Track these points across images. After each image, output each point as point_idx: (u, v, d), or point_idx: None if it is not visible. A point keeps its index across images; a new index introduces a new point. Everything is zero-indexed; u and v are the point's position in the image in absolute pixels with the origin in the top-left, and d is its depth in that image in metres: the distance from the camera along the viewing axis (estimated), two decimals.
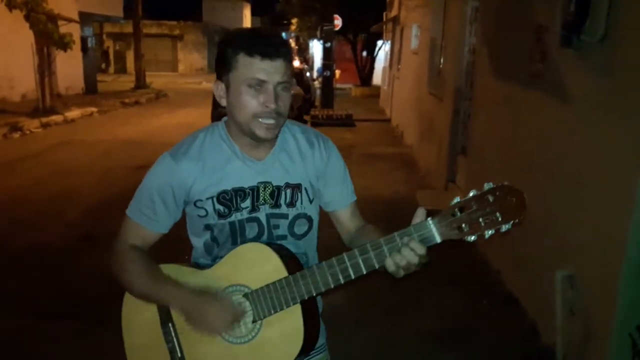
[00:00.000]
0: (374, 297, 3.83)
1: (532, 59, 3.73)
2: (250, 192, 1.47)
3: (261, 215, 1.48)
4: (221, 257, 1.45)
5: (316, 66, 25.29)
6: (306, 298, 1.34)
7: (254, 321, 1.39)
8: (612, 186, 2.70)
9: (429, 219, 1.24)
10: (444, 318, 3.72)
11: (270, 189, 1.48)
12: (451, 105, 6.45)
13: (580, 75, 3.10)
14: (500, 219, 1.19)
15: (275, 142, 1.51)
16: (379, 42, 21.40)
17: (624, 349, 2.54)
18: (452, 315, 3.76)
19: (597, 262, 2.80)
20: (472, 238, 1.22)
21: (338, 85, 19.55)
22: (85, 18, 17.40)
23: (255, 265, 1.39)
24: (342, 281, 1.31)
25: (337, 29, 18.29)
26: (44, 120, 11.53)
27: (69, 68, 16.13)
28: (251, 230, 1.48)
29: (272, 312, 1.36)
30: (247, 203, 1.47)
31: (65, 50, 12.04)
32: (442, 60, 7.58)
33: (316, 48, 28.26)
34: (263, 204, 1.48)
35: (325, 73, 15.92)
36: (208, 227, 1.49)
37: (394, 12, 14.06)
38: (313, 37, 25.94)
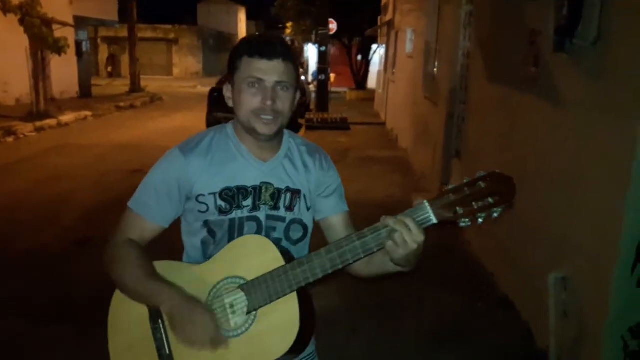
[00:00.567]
0: (370, 301, 3.84)
1: (525, 62, 3.76)
2: (253, 191, 1.50)
3: (261, 215, 1.51)
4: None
5: (311, 70, 25.33)
6: (303, 285, 1.34)
7: (248, 312, 1.38)
8: (605, 189, 2.73)
9: (425, 201, 1.31)
10: (439, 321, 3.73)
11: (272, 190, 1.52)
12: (446, 109, 6.48)
13: (574, 79, 3.12)
14: (492, 203, 1.27)
15: (280, 147, 1.56)
16: (374, 46, 21.45)
17: (616, 351, 2.56)
18: (446, 318, 3.77)
19: (590, 264, 2.82)
20: (466, 221, 1.28)
21: (333, 89, 19.55)
22: (80, 22, 17.35)
23: (252, 257, 1.40)
24: (340, 266, 1.32)
25: (332, 32, 18.33)
26: (38, 124, 11.50)
27: (64, 72, 16.08)
28: (249, 229, 1.50)
29: (268, 302, 1.35)
30: (249, 202, 1.50)
31: (59, 54, 12.02)
32: (436, 64, 7.61)
33: (311, 52, 28.29)
34: (264, 204, 1.51)
35: (320, 77, 15.95)
36: (206, 224, 1.50)
37: (388, 16, 14.11)
38: (308, 41, 25.98)
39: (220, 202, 1.49)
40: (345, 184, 1.68)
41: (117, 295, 1.52)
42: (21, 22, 11.25)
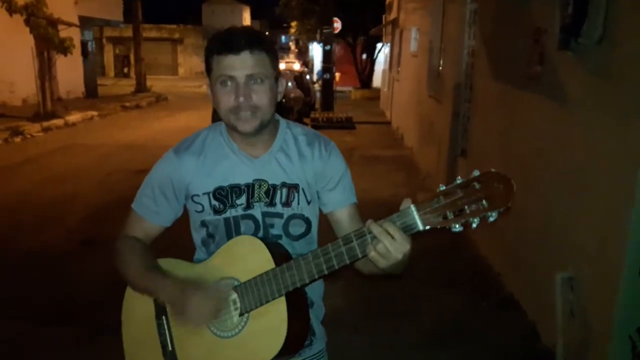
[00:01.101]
0: (373, 300, 3.84)
1: (530, 61, 3.74)
2: (246, 189, 1.48)
3: (256, 212, 1.49)
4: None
5: (316, 69, 25.30)
6: (291, 290, 1.33)
7: (241, 314, 1.38)
8: (611, 188, 2.71)
9: (411, 205, 1.21)
10: (444, 320, 3.72)
11: (266, 187, 1.49)
12: (451, 108, 6.46)
13: (579, 77, 3.11)
14: (486, 206, 1.15)
15: (274, 141, 1.51)
16: (379, 45, 21.42)
17: (623, 350, 2.54)
18: (452, 317, 3.77)
19: (597, 263, 2.80)
20: (457, 226, 1.17)
21: (338, 88, 19.55)
22: (85, 22, 17.42)
23: (245, 258, 1.40)
24: (325, 272, 1.29)
25: (336, 31, 18.35)
26: (45, 124, 11.56)
27: (70, 72, 16.14)
28: (247, 227, 1.49)
29: (258, 304, 1.35)
30: (242, 200, 1.48)
31: (65, 55, 12.07)
32: (441, 63, 7.59)
33: (316, 51, 28.29)
34: (258, 202, 1.48)
35: (325, 76, 15.95)
36: (204, 224, 1.51)
37: (393, 15, 14.08)
38: (313, 40, 25.99)
39: (214, 202, 1.48)
40: None
41: (129, 292, 1.55)
42: (27, 22, 11.31)
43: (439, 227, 1.19)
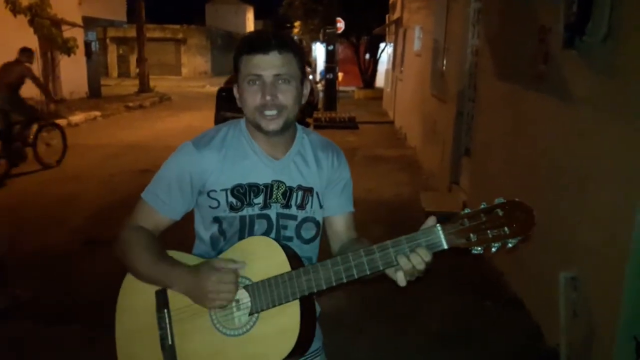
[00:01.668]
0: (377, 301, 3.82)
1: (535, 60, 3.72)
2: (264, 188, 1.50)
3: (272, 213, 1.50)
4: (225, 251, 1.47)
5: (319, 69, 25.31)
6: (306, 294, 1.34)
7: (250, 314, 1.38)
8: (615, 187, 2.70)
9: (437, 225, 1.26)
10: (448, 320, 3.71)
11: (283, 188, 1.51)
12: (454, 107, 6.45)
13: (584, 76, 3.09)
14: (507, 233, 1.22)
15: (293, 144, 1.55)
16: (382, 45, 21.40)
17: (628, 351, 2.52)
18: (455, 318, 3.75)
19: (601, 263, 2.79)
20: (479, 249, 1.24)
21: (341, 88, 19.53)
22: (88, 22, 17.44)
23: (260, 258, 1.40)
24: (344, 280, 1.31)
25: (339, 31, 18.31)
26: None
27: (73, 72, 16.16)
28: (260, 227, 1.50)
29: (270, 306, 1.36)
30: (260, 199, 1.50)
31: (68, 55, 12.12)
32: (445, 62, 7.58)
33: (319, 51, 28.27)
34: (275, 202, 1.50)
35: (328, 76, 15.93)
36: (217, 220, 1.51)
37: (396, 15, 14.06)
38: (316, 40, 25.95)
39: (231, 199, 1.49)
40: (354, 182, 1.67)
41: (128, 279, 1.53)
42: (31, 23, 11.35)
43: (462, 247, 1.25)
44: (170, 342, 1.44)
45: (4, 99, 7.09)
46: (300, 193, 1.52)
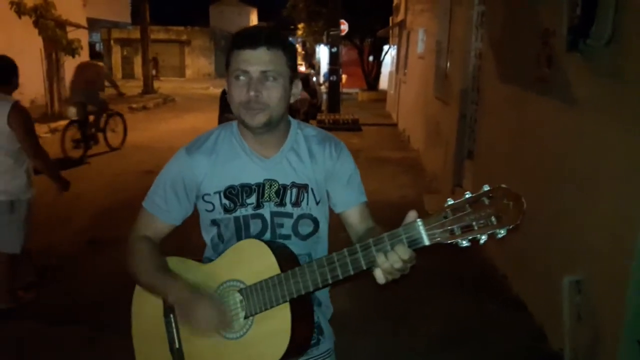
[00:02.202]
0: (378, 302, 3.82)
1: (538, 63, 3.72)
2: (256, 188, 1.50)
3: (265, 212, 1.50)
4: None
5: (323, 71, 25.34)
6: (295, 296, 1.33)
7: (246, 317, 1.40)
8: (620, 190, 2.69)
9: (418, 220, 1.19)
10: (451, 323, 3.71)
11: (276, 186, 1.50)
12: (457, 110, 6.45)
13: (587, 79, 3.09)
14: (495, 223, 1.13)
15: (285, 141, 1.52)
16: (386, 47, 21.40)
17: (632, 354, 2.52)
18: (459, 320, 3.75)
19: (606, 266, 2.78)
20: (464, 243, 1.15)
21: (344, 90, 19.55)
22: (93, 24, 17.53)
23: (251, 262, 1.41)
24: (330, 281, 1.30)
25: (343, 33, 18.33)
26: (53, 125, 11.60)
27: None
28: (255, 227, 1.50)
29: (263, 308, 1.37)
30: (253, 199, 1.49)
31: (73, 56, 12.12)
32: (448, 65, 7.58)
33: (323, 53, 28.29)
34: (268, 201, 1.50)
35: (331, 78, 15.94)
36: (214, 223, 1.52)
37: (400, 17, 14.06)
38: (319, 42, 25.99)
39: (224, 201, 1.49)
40: None
41: (139, 287, 1.58)
42: (35, 24, 11.37)
43: (446, 242, 1.17)
44: (177, 346, 1.47)
45: (82, 93, 8.51)
46: (294, 190, 1.50)
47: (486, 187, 1.14)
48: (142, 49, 22.44)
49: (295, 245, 1.49)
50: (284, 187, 1.50)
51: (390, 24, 16.79)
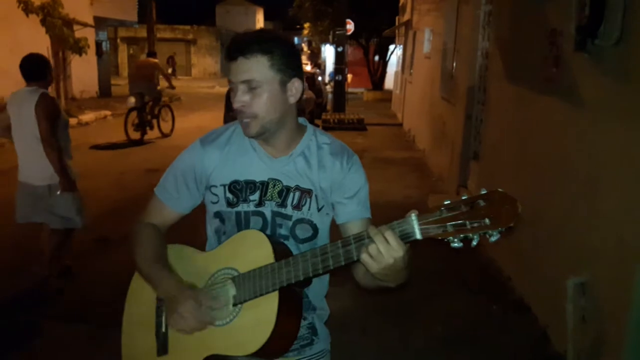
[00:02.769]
0: (381, 303, 3.81)
1: (546, 63, 3.70)
2: (260, 186, 1.51)
3: (266, 210, 1.51)
4: None
5: (328, 70, 25.32)
6: (285, 285, 1.34)
7: (234, 304, 1.41)
8: (626, 192, 2.68)
9: (412, 214, 1.21)
10: (454, 324, 3.69)
11: (280, 187, 1.51)
12: (463, 110, 6.43)
13: (595, 80, 3.07)
14: (488, 224, 1.14)
15: (296, 145, 1.54)
16: (391, 47, 21.38)
17: (636, 357, 2.50)
18: (462, 321, 3.74)
19: (610, 268, 2.77)
20: (456, 241, 1.17)
21: (350, 90, 19.53)
22: (100, 22, 17.56)
23: (248, 251, 1.43)
24: (321, 271, 1.31)
25: (349, 33, 18.30)
26: None
27: (84, 72, 16.28)
28: (256, 224, 1.51)
29: (252, 296, 1.38)
30: (255, 196, 1.51)
31: (80, 55, 12.18)
32: (454, 65, 7.56)
33: (328, 52, 28.29)
34: (270, 200, 1.51)
35: (337, 77, 15.92)
36: (217, 215, 1.55)
37: (406, 17, 14.05)
38: (325, 41, 26.00)
39: (228, 194, 1.52)
40: None
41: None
42: (43, 22, 11.43)
43: (438, 238, 1.18)
44: (163, 330, 1.50)
45: (142, 85, 10.11)
46: (297, 193, 1.51)
47: (483, 190, 1.17)
48: (148, 47, 22.50)
49: (293, 248, 1.50)
50: (287, 188, 1.51)
51: (397, 23, 16.78)
